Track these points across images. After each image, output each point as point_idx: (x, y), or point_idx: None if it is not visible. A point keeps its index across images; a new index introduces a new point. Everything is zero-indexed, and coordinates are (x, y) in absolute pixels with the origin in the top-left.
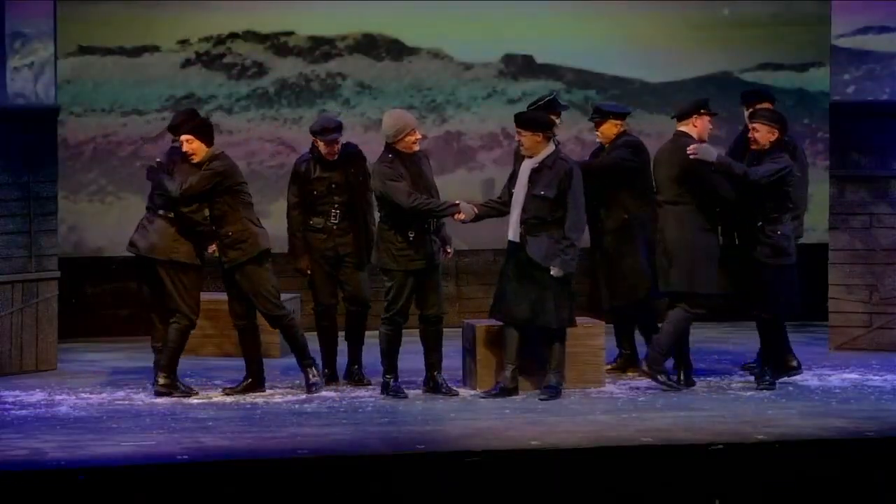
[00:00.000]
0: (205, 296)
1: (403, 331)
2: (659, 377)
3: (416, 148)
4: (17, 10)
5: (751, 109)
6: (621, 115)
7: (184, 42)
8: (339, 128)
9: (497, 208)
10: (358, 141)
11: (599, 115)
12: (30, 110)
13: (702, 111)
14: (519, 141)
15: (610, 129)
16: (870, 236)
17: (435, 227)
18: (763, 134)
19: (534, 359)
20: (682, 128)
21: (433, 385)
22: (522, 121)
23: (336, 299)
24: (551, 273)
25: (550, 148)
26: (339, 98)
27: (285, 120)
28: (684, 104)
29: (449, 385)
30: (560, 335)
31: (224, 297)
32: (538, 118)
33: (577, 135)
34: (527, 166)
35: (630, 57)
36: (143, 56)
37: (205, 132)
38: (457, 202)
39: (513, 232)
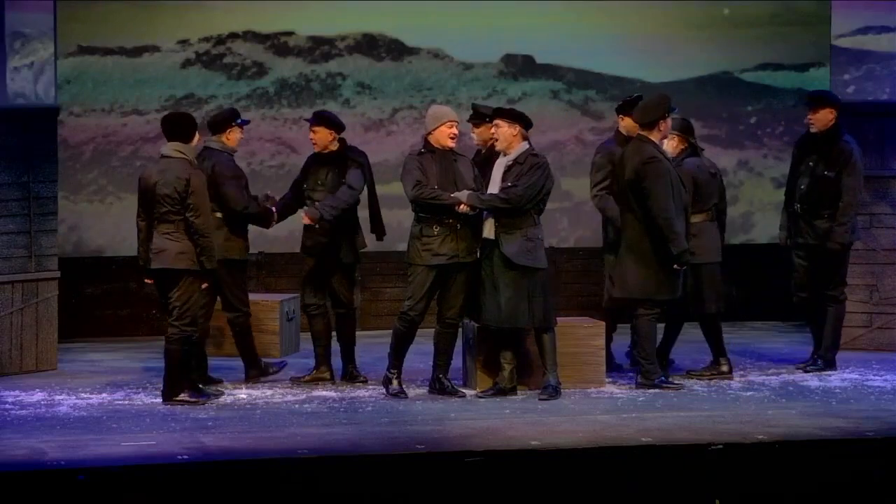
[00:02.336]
0: None
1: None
2: (659, 384)
3: (451, 143)
4: (17, 10)
5: (813, 114)
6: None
7: (184, 42)
8: (322, 117)
9: None
10: (358, 141)
11: (477, 118)
12: (30, 110)
13: (667, 115)
14: (493, 134)
15: (487, 131)
16: (870, 236)
17: (462, 225)
18: (669, 144)
19: (532, 359)
20: (645, 132)
21: (439, 387)
22: (503, 111)
23: (319, 298)
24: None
25: (524, 146)
26: (339, 98)
27: (285, 120)
28: (649, 108)
29: (455, 387)
30: (548, 334)
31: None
32: (519, 113)
33: (577, 135)
34: (500, 164)
35: (630, 57)
36: (143, 56)
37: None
38: (462, 192)
39: (487, 229)
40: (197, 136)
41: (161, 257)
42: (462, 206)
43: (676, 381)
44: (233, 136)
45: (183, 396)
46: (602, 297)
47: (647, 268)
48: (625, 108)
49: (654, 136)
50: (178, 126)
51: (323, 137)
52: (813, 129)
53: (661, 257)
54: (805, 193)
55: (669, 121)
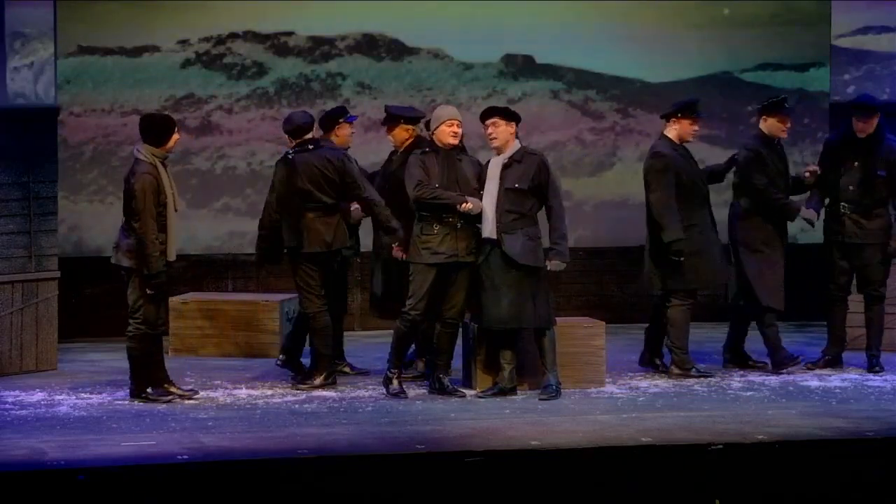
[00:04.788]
0: (204, 296)
1: None
2: (692, 371)
3: (453, 140)
4: (17, 10)
5: (865, 122)
6: (413, 120)
7: (184, 42)
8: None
9: None
10: (358, 141)
11: (390, 120)
12: (30, 110)
13: (679, 115)
14: (490, 134)
15: (401, 133)
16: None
17: (462, 225)
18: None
19: (532, 359)
20: (664, 130)
21: (439, 387)
22: (500, 110)
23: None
24: (550, 269)
25: (517, 144)
26: (339, 98)
27: None
28: (674, 105)
29: (455, 387)
30: (548, 333)
31: (223, 297)
32: (513, 111)
33: (577, 135)
34: (496, 162)
35: (630, 57)
36: (143, 56)
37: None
38: (464, 194)
39: (489, 229)
40: (173, 139)
41: (115, 252)
42: (465, 206)
43: (704, 369)
44: (342, 133)
45: (147, 393)
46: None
47: (683, 261)
48: (769, 110)
49: (669, 132)
50: (147, 128)
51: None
52: (861, 135)
53: (693, 249)
54: (856, 194)
55: (684, 121)
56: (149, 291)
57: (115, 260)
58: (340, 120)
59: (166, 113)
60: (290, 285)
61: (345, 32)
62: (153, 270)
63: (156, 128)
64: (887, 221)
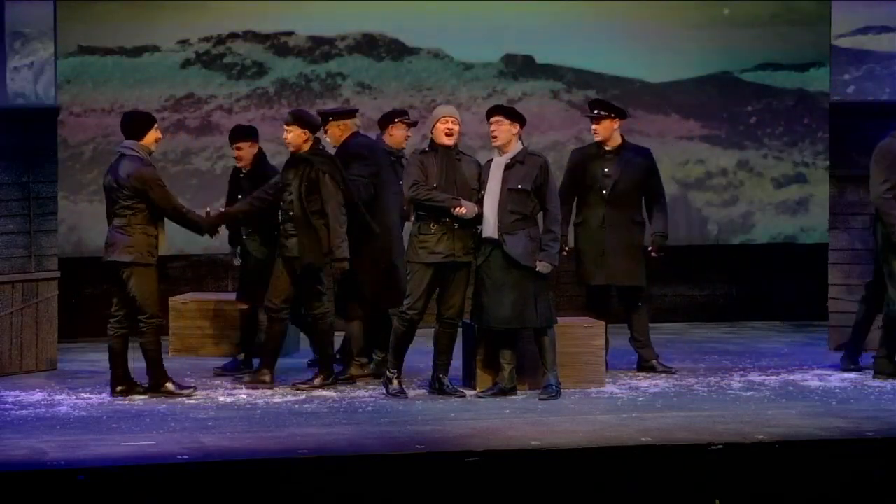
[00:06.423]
0: (204, 296)
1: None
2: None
3: (447, 139)
4: (17, 10)
5: None
6: (341, 115)
7: (184, 42)
8: (296, 117)
9: None
10: None
11: (323, 121)
12: (30, 110)
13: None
14: (493, 132)
15: (334, 130)
16: (870, 236)
17: (460, 225)
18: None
19: (532, 359)
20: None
21: (438, 387)
22: (505, 110)
23: (281, 302)
24: (538, 269)
25: (519, 145)
26: (339, 98)
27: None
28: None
29: (455, 388)
30: (549, 333)
31: (223, 297)
32: (518, 112)
33: (577, 135)
34: (498, 163)
35: (630, 57)
36: (143, 56)
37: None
38: (458, 198)
39: (490, 229)
40: (153, 134)
41: (110, 251)
42: (459, 210)
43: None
44: (396, 133)
45: (168, 386)
46: None
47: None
48: None
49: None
50: (129, 125)
51: (295, 138)
52: None
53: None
54: None
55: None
56: (210, 237)
57: (114, 258)
58: (396, 120)
59: (147, 112)
60: None
61: (345, 32)
62: (203, 224)
63: (137, 123)
64: None
